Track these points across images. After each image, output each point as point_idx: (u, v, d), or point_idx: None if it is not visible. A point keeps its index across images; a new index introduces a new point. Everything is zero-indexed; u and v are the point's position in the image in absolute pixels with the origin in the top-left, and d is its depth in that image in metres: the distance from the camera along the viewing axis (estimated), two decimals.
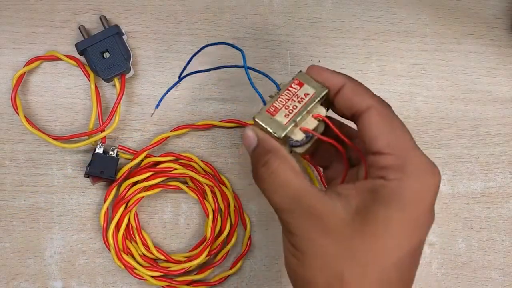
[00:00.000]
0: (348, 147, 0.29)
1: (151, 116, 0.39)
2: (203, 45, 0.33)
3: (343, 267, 0.25)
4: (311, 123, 0.28)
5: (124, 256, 0.37)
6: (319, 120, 0.28)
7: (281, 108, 0.28)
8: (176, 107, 0.40)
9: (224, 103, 0.40)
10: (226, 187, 0.39)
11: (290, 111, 0.28)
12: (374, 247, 0.25)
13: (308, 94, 0.28)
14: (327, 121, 0.28)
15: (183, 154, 0.39)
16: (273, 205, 0.26)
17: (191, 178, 0.39)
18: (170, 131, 0.39)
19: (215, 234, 0.38)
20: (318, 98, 0.28)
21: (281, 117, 0.27)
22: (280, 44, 0.41)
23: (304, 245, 0.26)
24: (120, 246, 0.38)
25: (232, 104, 0.40)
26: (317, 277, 0.25)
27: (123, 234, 0.38)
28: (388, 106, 0.27)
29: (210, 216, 0.38)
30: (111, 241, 0.37)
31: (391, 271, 0.25)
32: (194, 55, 0.33)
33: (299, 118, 0.27)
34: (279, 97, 0.28)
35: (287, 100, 0.28)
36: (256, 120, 0.28)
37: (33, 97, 0.40)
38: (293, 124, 0.27)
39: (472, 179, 0.41)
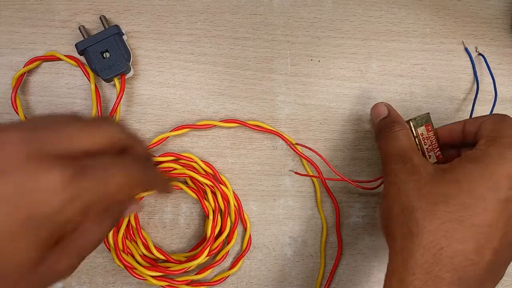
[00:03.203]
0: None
1: None
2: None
3: (415, 200, 0.30)
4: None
5: (124, 256, 0.37)
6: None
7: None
8: (176, 107, 0.40)
9: (224, 103, 0.40)
10: (226, 187, 0.39)
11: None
12: (448, 191, 0.29)
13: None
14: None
15: (183, 154, 0.39)
16: (385, 152, 0.34)
17: (191, 178, 0.39)
18: (170, 131, 0.39)
19: (215, 234, 0.38)
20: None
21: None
22: (280, 44, 0.41)
23: (390, 179, 0.32)
24: (120, 246, 0.38)
25: (232, 104, 0.40)
26: (394, 205, 0.31)
27: (123, 234, 0.38)
28: (505, 115, 0.32)
29: (210, 216, 0.38)
30: (111, 241, 0.37)
31: (460, 223, 0.28)
32: None
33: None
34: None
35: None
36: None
37: (33, 97, 0.40)
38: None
39: None
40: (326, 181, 0.40)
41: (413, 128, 0.36)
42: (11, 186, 0.20)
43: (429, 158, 0.36)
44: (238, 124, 0.39)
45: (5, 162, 0.20)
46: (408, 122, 0.36)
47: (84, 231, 0.23)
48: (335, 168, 0.40)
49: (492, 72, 0.42)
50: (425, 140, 0.36)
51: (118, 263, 0.37)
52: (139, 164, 0.24)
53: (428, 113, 0.36)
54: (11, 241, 0.20)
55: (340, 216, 0.40)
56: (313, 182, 0.40)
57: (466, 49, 0.42)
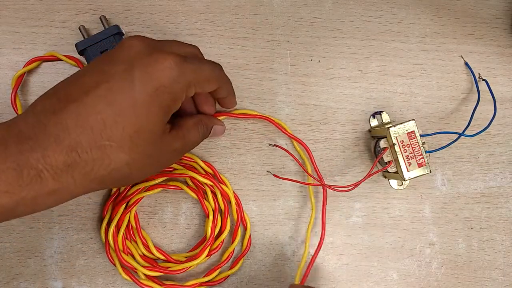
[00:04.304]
0: None
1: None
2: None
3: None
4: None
5: (124, 255, 0.37)
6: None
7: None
8: None
9: None
10: (226, 187, 0.39)
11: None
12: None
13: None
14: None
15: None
16: None
17: (191, 178, 0.39)
18: None
19: (215, 234, 0.38)
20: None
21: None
22: (280, 44, 0.41)
23: None
24: (120, 246, 0.38)
25: None
26: None
27: (123, 234, 0.38)
28: None
29: (210, 216, 0.38)
30: (111, 241, 0.37)
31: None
32: None
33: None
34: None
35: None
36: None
37: (33, 97, 0.39)
38: None
39: (472, 179, 0.41)
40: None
41: (392, 135, 0.37)
42: (140, 70, 0.29)
43: (410, 165, 0.37)
44: (226, 116, 0.39)
45: (134, 57, 0.29)
46: (387, 129, 0.37)
47: (188, 133, 0.33)
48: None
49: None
50: (406, 148, 0.37)
51: (126, 277, 0.37)
52: (217, 65, 0.34)
53: (413, 119, 0.37)
54: (147, 107, 0.29)
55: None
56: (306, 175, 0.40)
57: (466, 63, 0.42)
